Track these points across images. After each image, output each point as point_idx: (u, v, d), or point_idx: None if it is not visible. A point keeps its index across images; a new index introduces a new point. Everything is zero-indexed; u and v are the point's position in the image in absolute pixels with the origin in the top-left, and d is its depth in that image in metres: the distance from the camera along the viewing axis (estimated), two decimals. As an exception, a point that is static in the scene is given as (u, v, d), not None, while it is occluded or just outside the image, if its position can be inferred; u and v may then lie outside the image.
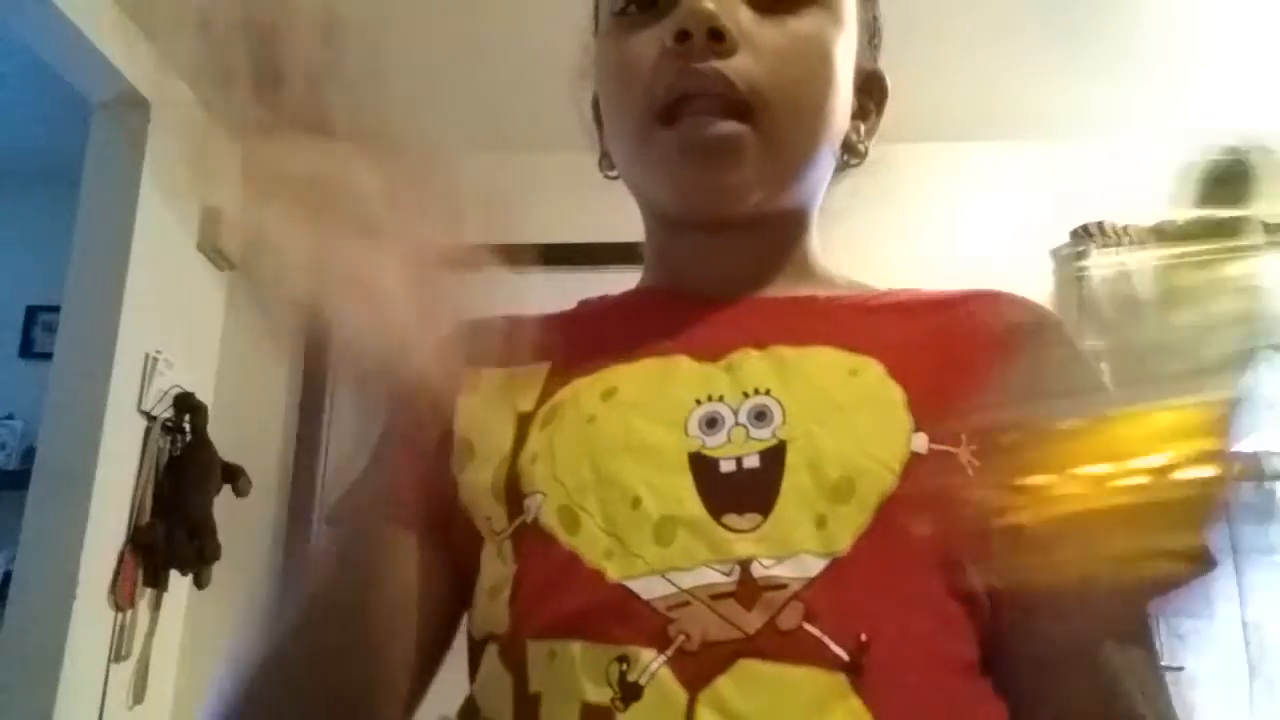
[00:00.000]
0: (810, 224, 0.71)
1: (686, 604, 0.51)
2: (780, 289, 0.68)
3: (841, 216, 0.75)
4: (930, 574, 0.54)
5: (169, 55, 2.33)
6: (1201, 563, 0.52)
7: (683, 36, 0.59)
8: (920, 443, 0.56)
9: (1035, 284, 1.56)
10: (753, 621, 0.50)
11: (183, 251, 2.49)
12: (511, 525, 0.59)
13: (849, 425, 0.56)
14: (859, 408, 0.57)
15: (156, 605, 2.32)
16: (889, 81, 0.73)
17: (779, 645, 0.50)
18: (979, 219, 2.53)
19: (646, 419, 0.58)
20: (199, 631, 2.43)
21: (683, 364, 0.61)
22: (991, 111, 2.50)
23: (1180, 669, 2.05)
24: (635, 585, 0.52)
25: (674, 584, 0.52)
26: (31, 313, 3.00)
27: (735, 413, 0.58)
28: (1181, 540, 0.54)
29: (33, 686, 2.01)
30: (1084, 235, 2.48)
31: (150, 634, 2.30)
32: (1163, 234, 0.41)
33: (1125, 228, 2.46)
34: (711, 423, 0.58)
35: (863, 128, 0.71)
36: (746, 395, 0.58)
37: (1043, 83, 2.39)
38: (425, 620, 0.62)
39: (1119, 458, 0.54)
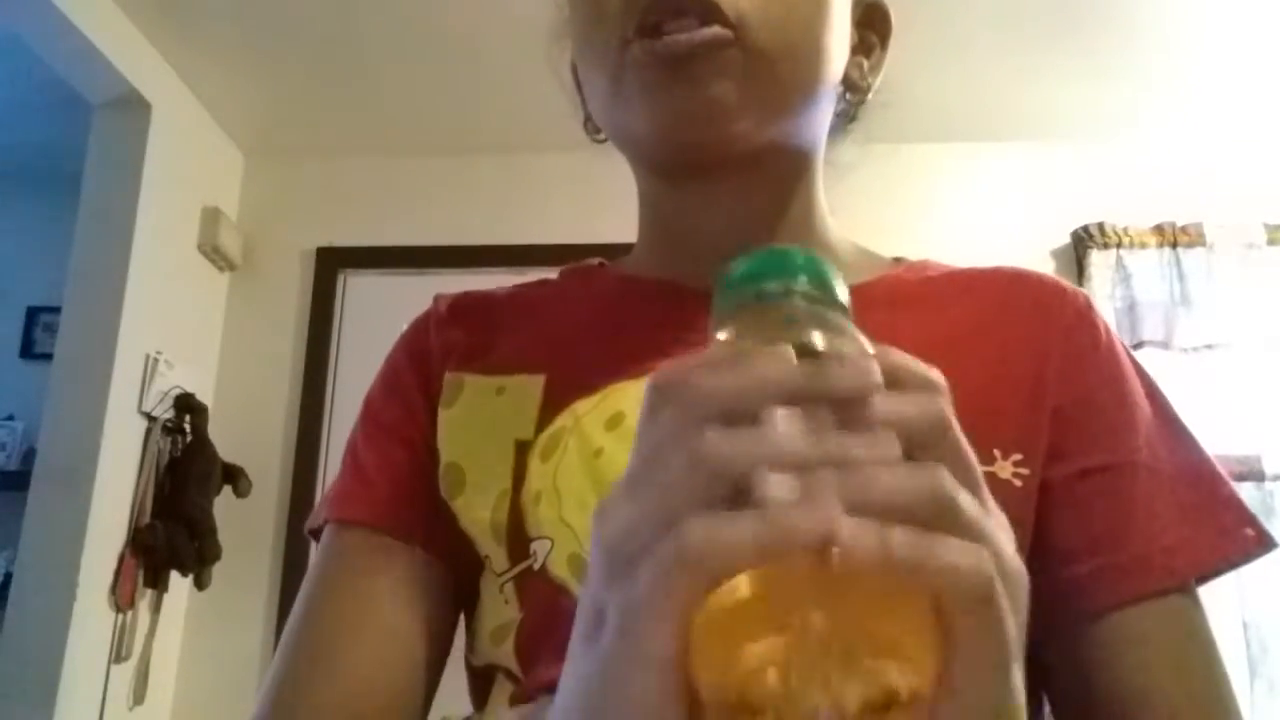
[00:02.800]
0: (814, 173, 0.64)
1: None
2: None
3: (841, 214, 0.72)
4: None
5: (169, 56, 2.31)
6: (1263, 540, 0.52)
7: None
8: None
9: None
10: None
11: (183, 251, 2.49)
12: (514, 569, 0.55)
13: None
14: None
15: (157, 606, 2.32)
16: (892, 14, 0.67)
17: None
18: (979, 219, 2.53)
19: None
20: (199, 632, 2.43)
21: None
22: (991, 111, 2.50)
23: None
24: None
25: None
26: (32, 313, 2.99)
27: None
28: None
29: (33, 687, 2.01)
30: (1084, 235, 2.48)
31: (150, 635, 2.29)
32: None
33: (1125, 228, 2.46)
34: None
35: (865, 63, 0.65)
36: None
37: (1043, 83, 2.39)
38: (428, 639, 0.58)
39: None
